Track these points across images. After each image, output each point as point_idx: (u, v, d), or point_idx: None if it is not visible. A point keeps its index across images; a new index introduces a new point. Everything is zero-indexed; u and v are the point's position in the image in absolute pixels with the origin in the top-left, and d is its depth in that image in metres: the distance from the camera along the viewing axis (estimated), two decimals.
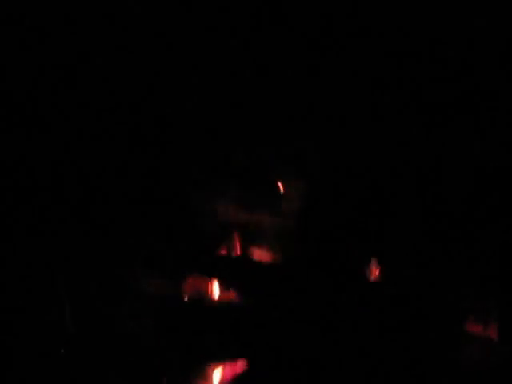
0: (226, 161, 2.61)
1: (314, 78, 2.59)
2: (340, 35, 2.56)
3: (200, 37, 2.58)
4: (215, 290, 2.59)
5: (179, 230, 2.58)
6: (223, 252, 2.61)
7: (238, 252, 2.60)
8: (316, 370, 2.36)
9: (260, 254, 2.60)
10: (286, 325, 2.43)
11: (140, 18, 2.56)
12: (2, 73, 2.50)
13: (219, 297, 2.59)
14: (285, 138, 2.60)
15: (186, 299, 2.53)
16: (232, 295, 2.55)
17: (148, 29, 2.57)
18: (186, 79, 2.60)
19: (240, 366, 2.42)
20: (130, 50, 2.57)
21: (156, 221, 2.57)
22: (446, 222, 2.48)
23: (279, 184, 2.62)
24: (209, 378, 2.44)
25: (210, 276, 2.56)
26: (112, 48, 2.57)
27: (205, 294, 2.57)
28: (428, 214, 2.50)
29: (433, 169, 2.52)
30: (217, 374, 2.44)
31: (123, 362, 2.40)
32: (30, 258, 2.44)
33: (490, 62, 2.48)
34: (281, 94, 2.59)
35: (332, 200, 2.58)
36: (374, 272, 2.50)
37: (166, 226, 2.57)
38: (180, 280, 2.53)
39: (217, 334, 2.45)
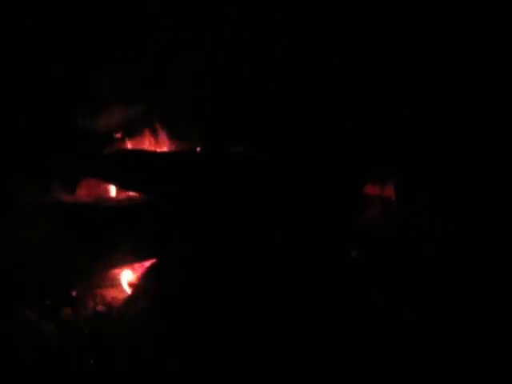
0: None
1: None
2: None
3: None
4: (111, 190, 2.56)
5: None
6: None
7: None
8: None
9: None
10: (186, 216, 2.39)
11: None
12: None
13: (116, 196, 2.56)
14: None
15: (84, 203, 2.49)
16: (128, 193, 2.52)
17: None
18: None
19: (146, 265, 2.40)
20: None
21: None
22: None
23: None
24: (118, 283, 2.42)
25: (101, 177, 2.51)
26: None
27: (102, 196, 2.54)
28: None
29: None
30: (125, 277, 2.42)
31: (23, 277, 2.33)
32: None
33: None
34: None
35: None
36: None
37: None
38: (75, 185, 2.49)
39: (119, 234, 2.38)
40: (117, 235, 2.37)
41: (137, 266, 2.41)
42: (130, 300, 2.35)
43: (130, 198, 2.50)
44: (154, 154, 2.54)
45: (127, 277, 2.42)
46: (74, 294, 2.38)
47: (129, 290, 2.39)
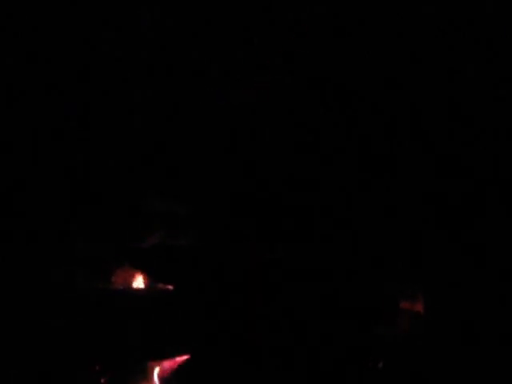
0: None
1: None
2: None
3: None
4: (145, 281, 2.58)
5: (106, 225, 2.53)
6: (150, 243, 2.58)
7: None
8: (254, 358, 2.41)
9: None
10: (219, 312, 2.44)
11: None
12: None
13: (150, 288, 2.57)
14: None
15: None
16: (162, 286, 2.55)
17: None
18: None
19: (179, 360, 2.44)
20: None
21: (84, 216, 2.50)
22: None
23: None
24: (149, 376, 2.46)
25: (140, 268, 2.54)
26: None
27: (135, 286, 2.56)
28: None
29: None
30: (156, 370, 2.46)
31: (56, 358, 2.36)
32: None
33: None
34: None
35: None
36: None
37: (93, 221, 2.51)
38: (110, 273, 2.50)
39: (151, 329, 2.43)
40: (150, 327, 2.42)
41: (169, 360, 2.46)
42: None
43: (164, 290, 2.53)
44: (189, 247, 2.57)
45: (159, 370, 2.46)
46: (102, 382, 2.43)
47: None
